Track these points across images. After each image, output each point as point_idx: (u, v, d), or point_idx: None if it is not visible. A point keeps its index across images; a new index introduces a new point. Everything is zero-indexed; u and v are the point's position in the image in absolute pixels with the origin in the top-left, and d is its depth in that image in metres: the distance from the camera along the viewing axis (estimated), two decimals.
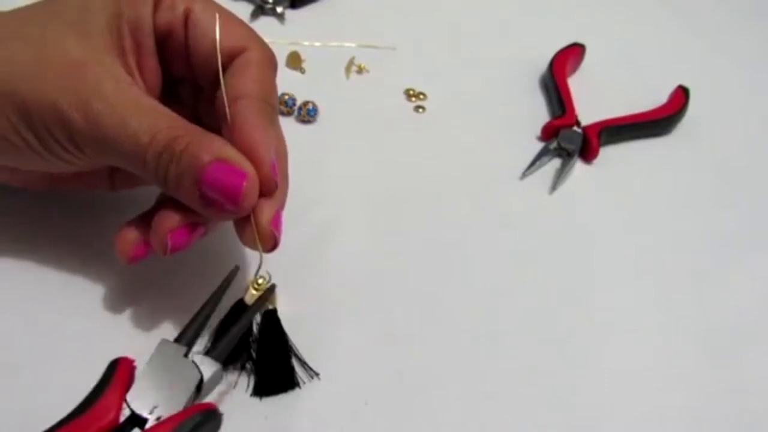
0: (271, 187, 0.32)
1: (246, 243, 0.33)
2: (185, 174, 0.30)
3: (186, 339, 0.32)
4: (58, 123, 0.30)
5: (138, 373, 0.30)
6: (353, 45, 0.57)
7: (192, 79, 0.36)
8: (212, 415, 0.30)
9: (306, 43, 0.56)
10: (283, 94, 0.49)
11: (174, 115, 0.32)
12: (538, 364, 0.37)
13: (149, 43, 0.34)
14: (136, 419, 0.29)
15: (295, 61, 0.54)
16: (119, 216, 0.34)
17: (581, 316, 0.40)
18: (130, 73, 0.33)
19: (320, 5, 0.61)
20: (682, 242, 0.46)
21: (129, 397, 0.29)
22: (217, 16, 0.33)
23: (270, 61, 0.35)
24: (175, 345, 0.32)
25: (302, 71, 0.54)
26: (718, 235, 0.47)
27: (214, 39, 0.33)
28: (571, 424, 0.35)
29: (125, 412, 0.29)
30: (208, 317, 0.33)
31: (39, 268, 0.36)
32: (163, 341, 0.32)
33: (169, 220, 0.32)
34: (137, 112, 0.30)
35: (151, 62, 0.34)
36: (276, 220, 0.32)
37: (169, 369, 0.31)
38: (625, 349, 0.39)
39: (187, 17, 0.34)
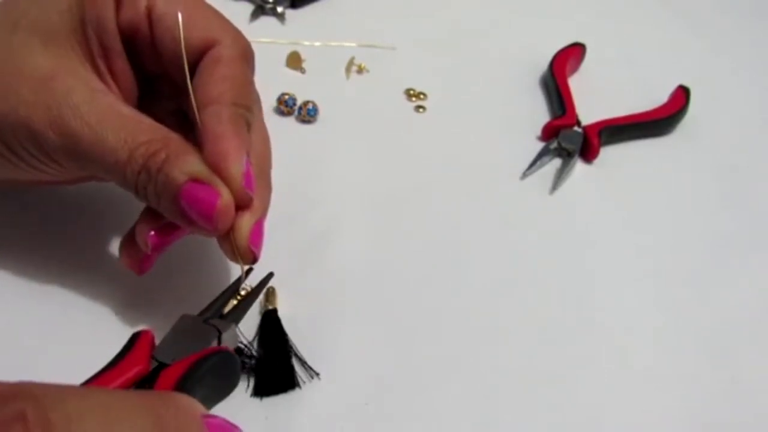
0: (245, 201, 0.31)
1: (227, 256, 0.33)
2: (163, 194, 0.30)
3: (206, 315, 0.33)
4: (33, 141, 0.30)
5: (160, 339, 0.31)
6: (353, 45, 0.57)
7: (167, 75, 0.35)
8: (229, 356, 0.30)
9: (306, 43, 0.56)
10: (283, 94, 0.49)
11: (151, 123, 0.31)
12: (538, 363, 0.37)
13: (116, 45, 0.32)
14: (163, 368, 0.29)
15: (295, 61, 0.54)
16: (117, 210, 0.34)
17: (581, 316, 0.40)
18: (102, 78, 0.32)
19: (320, 5, 0.62)
20: (682, 242, 0.46)
21: (154, 354, 0.30)
22: (180, 16, 0.31)
23: (243, 55, 0.34)
24: (195, 316, 0.32)
25: (302, 71, 0.54)
26: (718, 235, 0.47)
27: (178, 37, 0.31)
28: (571, 424, 0.35)
29: (153, 364, 0.29)
30: (226, 303, 0.34)
31: (38, 267, 0.37)
32: (184, 315, 0.32)
33: (150, 220, 0.32)
34: (114, 124, 0.30)
35: (122, 64, 0.33)
36: (255, 235, 0.32)
37: (190, 331, 0.31)
38: (625, 349, 0.39)
39: (150, 13, 0.32)
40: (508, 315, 0.40)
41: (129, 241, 0.33)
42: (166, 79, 0.35)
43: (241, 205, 0.31)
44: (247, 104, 0.32)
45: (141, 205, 0.33)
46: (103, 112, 0.30)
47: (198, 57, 0.33)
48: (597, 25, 0.65)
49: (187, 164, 0.30)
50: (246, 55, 0.34)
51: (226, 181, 0.30)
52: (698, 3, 0.71)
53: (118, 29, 0.32)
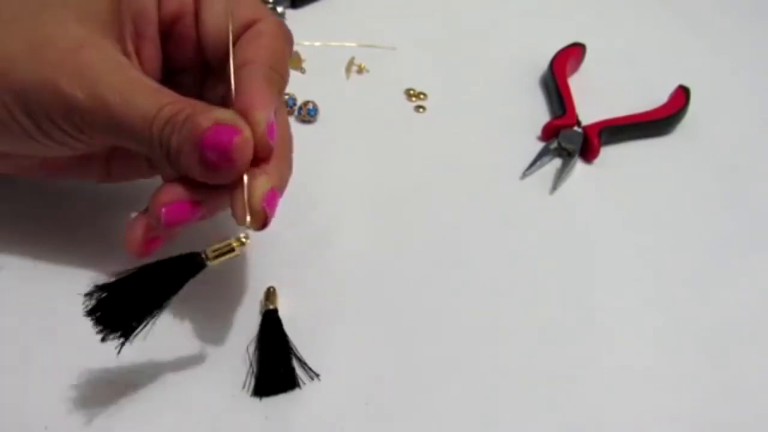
0: (266, 149, 0.31)
1: (236, 217, 0.31)
2: (186, 141, 0.30)
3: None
4: (58, 104, 0.30)
5: None
6: (353, 45, 0.57)
7: (197, 65, 0.36)
8: None
9: (306, 43, 0.56)
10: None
11: (175, 93, 0.32)
12: (538, 364, 0.37)
13: (151, 31, 0.34)
14: None
15: (295, 61, 0.54)
16: (115, 209, 0.34)
17: (581, 316, 0.40)
18: (128, 58, 0.33)
19: (320, 5, 0.61)
20: (682, 242, 0.46)
21: None
22: None
23: (284, 34, 0.35)
24: None
25: (302, 71, 0.54)
26: (719, 234, 0.47)
27: (228, 14, 0.33)
28: (571, 424, 0.35)
29: None
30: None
31: (35, 262, 0.37)
32: None
33: (166, 194, 0.31)
34: (141, 91, 0.31)
35: (151, 49, 0.34)
36: (270, 198, 0.32)
37: None
38: (625, 349, 0.39)
39: (197, 1, 0.34)
40: (508, 315, 0.40)
41: (136, 220, 0.33)
42: (191, 72, 0.36)
43: (261, 154, 0.31)
44: (282, 72, 0.34)
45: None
46: (130, 81, 0.31)
47: (240, 33, 0.34)
48: (597, 25, 0.65)
49: (215, 112, 0.30)
50: (286, 35, 0.35)
51: (250, 125, 0.30)
52: (698, 3, 0.71)
53: (158, 17, 0.34)
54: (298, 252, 0.40)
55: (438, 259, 0.42)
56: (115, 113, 0.30)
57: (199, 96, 0.36)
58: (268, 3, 0.59)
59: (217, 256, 0.31)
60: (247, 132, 0.30)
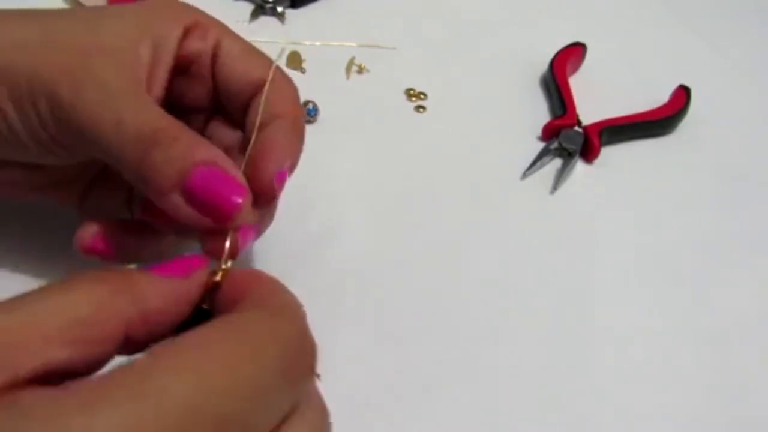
0: (267, 198, 0.30)
1: (203, 244, 0.29)
2: (171, 162, 0.26)
3: None
4: (45, 93, 0.29)
5: None
6: (353, 45, 0.57)
7: (205, 108, 0.35)
8: None
9: (306, 43, 0.56)
10: None
11: (171, 117, 0.29)
12: (538, 364, 0.37)
13: (167, 59, 0.32)
14: None
15: (295, 61, 0.54)
16: None
17: (582, 316, 0.40)
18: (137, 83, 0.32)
19: (320, 5, 0.61)
20: (683, 242, 0.46)
21: None
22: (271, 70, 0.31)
23: (288, 82, 0.34)
24: None
25: (302, 71, 0.54)
26: (719, 235, 0.47)
27: (243, 70, 0.33)
28: (571, 424, 0.35)
29: None
30: None
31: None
32: None
33: (103, 222, 0.30)
34: (131, 102, 0.29)
35: (160, 84, 0.32)
36: (245, 233, 0.29)
37: None
38: (626, 350, 0.39)
39: (216, 48, 0.33)
40: (508, 315, 0.40)
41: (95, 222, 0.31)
42: (196, 115, 0.35)
43: (261, 202, 0.30)
44: (303, 124, 0.33)
45: None
46: (125, 89, 0.29)
47: (253, 93, 0.33)
48: (597, 25, 0.65)
49: (212, 150, 0.28)
50: (291, 82, 0.34)
51: (260, 168, 0.30)
52: (698, 3, 0.71)
53: (177, 52, 0.32)
54: (298, 252, 0.40)
55: (438, 259, 0.42)
56: (93, 113, 0.28)
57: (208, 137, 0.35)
58: (268, 3, 0.59)
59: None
60: (249, 192, 0.28)
